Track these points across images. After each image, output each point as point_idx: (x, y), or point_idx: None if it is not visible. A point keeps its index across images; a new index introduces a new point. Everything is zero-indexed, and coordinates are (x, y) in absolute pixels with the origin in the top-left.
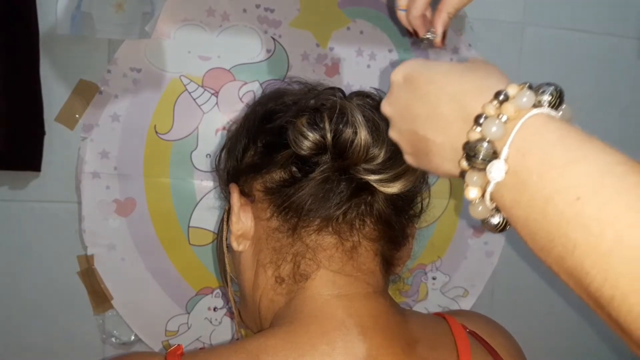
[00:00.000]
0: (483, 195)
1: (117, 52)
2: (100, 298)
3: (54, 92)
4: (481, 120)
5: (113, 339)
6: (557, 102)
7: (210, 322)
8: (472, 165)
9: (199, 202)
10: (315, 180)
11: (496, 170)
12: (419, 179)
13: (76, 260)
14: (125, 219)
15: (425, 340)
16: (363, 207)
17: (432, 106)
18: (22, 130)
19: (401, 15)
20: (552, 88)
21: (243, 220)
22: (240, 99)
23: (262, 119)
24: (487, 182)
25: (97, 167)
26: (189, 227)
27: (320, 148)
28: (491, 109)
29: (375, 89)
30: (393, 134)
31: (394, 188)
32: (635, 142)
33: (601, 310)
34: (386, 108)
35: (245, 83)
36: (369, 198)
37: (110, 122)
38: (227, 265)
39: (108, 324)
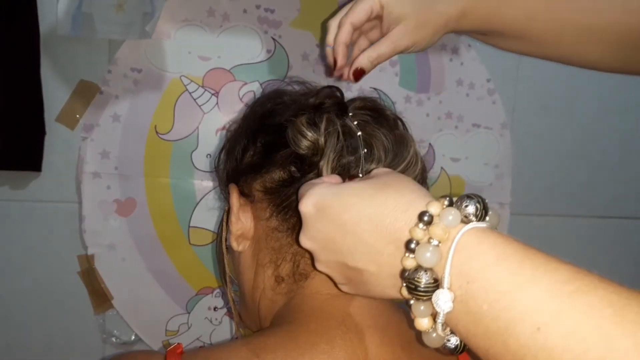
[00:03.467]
0: (435, 327)
1: (117, 52)
2: (100, 298)
3: (55, 92)
4: (412, 246)
5: (113, 339)
6: (482, 212)
7: (210, 321)
8: (415, 297)
9: (199, 202)
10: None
11: (443, 301)
12: (418, 179)
13: (76, 260)
14: (126, 219)
15: None
16: None
17: (354, 235)
18: (22, 130)
19: (328, 51)
20: (474, 200)
21: (243, 220)
22: (241, 99)
23: (261, 119)
24: (436, 316)
25: (97, 167)
26: (189, 227)
27: (319, 148)
28: (419, 233)
29: (374, 88)
30: (320, 266)
31: None
32: (636, 142)
33: None
34: (306, 243)
35: (246, 83)
36: None
37: (110, 122)
38: (227, 266)
39: (108, 324)
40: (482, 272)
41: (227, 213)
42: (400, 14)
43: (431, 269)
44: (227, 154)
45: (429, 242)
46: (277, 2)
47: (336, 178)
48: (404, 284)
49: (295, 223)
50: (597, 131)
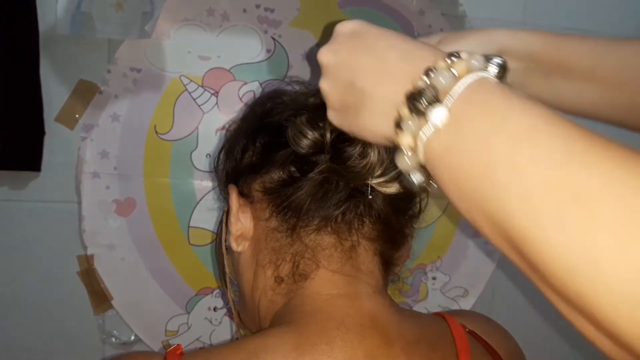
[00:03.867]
0: (414, 147)
1: (117, 52)
2: (100, 298)
3: (54, 92)
4: (431, 73)
5: (113, 339)
6: (503, 74)
7: (210, 322)
8: (414, 108)
9: (199, 202)
10: (314, 180)
11: (437, 115)
12: None
13: (76, 260)
14: (125, 219)
15: (425, 340)
16: (362, 207)
17: (380, 58)
18: (22, 130)
19: None
20: (500, 61)
21: (242, 221)
22: (240, 99)
23: (261, 119)
24: (424, 130)
25: (97, 167)
26: (189, 227)
27: (319, 147)
28: (442, 64)
29: None
30: (325, 84)
31: (392, 188)
32: (636, 142)
33: (518, 253)
34: (325, 55)
35: (245, 83)
36: (368, 197)
37: (110, 122)
38: (226, 267)
39: (108, 324)
40: (483, 98)
41: (226, 213)
42: None
43: (438, 91)
44: (226, 154)
45: (449, 70)
46: (277, 2)
47: None
48: (407, 98)
49: (295, 223)
50: (598, 130)
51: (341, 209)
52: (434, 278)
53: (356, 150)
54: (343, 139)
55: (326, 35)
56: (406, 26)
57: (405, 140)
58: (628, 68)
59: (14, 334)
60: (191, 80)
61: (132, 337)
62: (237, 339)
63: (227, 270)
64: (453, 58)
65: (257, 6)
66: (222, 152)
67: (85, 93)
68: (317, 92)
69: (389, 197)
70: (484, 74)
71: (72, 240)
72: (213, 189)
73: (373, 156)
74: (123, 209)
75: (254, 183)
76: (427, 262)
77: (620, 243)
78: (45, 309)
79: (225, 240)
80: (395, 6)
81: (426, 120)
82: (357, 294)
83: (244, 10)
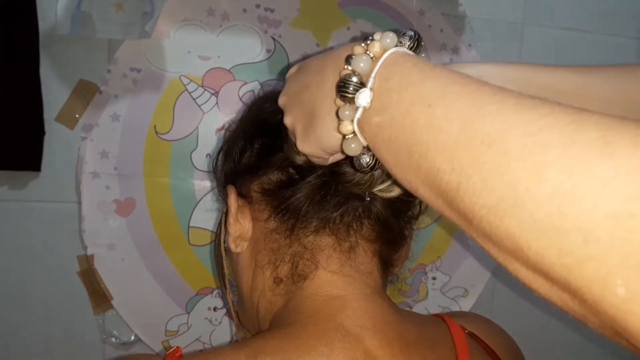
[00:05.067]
0: (355, 132)
1: (117, 52)
2: (100, 298)
3: (54, 92)
4: (351, 59)
5: (113, 339)
6: (415, 44)
7: (210, 322)
8: (343, 97)
9: (199, 202)
10: (313, 184)
11: (363, 97)
12: None
13: (76, 260)
14: (125, 219)
15: (424, 341)
16: (360, 209)
17: (316, 72)
18: (22, 130)
19: None
20: (412, 33)
21: (241, 222)
22: (240, 99)
23: (259, 120)
24: (356, 114)
25: (97, 167)
26: (189, 227)
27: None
28: (359, 49)
29: None
30: (288, 120)
31: (393, 192)
32: None
33: (451, 206)
34: (281, 99)
35: (245, 83)
36: (367, 201)
37: (110, 122)
38: (225, 268)
39: (108, 324)
40: (400, 72)
41: (225, 214)
42: None
43: (361, 75)
44: (224, 155)
45: (366, 54)
46: (277, 2)
47: None
48: (337, 89)
49: (293, 224)
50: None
51: (339, 211)
52: (434, 278)
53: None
54: None
55: (324, 33)
56: (406, 26)
57: (345, 128)
58: (617, 86)
59: (14, 333)
60: (191, 80)
61: (132, 337)
62: (236, 340)
63: (226, 271)
64: (367, 41)
65: (257, 6)
66: (221, 153)
67: (85, 93)
68: None
69: (388, 200)
70: (398, 49)
71: (72, 240)
72: (213, 189)
73: (377, 172)
74: (123, 209)
75: (252, 184)
76: (427, 262)
77: (532, 170)
78: (45, 309)
79: (224, 241)
80: (395, 6)
81: (356, 105)
82: (356, 295)
83: (244, 10)
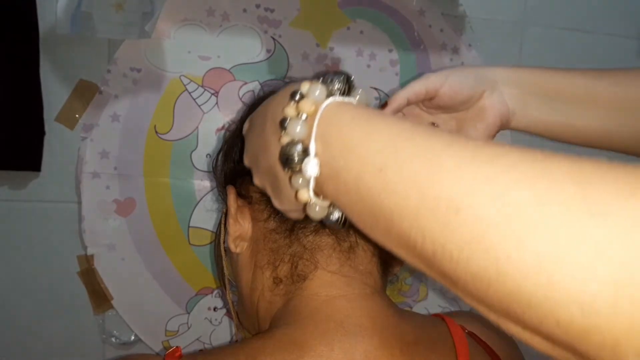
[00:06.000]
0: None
1: (117, 52)
2: (100, 298)
3: (54, 92)
4: (286, 124)
5: (113, 339)
6: (347, 88)
7: (210, 322)
8: (292, 170)
9: (198, 202)
10: None
11: (310, 168)
12: None
13: (76, 260)
14: (125, 219)
15: (424, 341)
16: None
17: (262, 137)
18: (22, 130)
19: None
20: (340, 77)
21: (240, 222)
22: (240, 99)
23: None
24: (309, 183)
25: (97, 167)
26: (188, 227)
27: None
28: (290, 111)
29: (375, 88)
30: (256, 181)
31: None
32: None
33: (432, 270)
34: (245, 160)
35: (245, 83)
36: None
37: (110, 122)
38: (225, 268)
39: (108, 324)
40: (338, 133)
41: (224, 215)
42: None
43: (302, 141)
44: (224, 156)
45: (298, 116)
46: (277, 2)
47: None
48: (281, 162)
49: (293, 224)
50: None
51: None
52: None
53: None
54: None
55: (325, 33)
56: (406, 26)
57: (302, 196)
58: (624, 88)
59: (14, 333)
60: (191, 80)
61: (132, 337)
62: (236, 340)
63: (225, 271)
64: (296, 98)
65: (257, 6)
66: (221, 154)
67: (85, 93)
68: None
69: None
70: (330, 100)
71: (72, 240)
72: (213, 189)
73: None
74: (123, 209)
75: (252, 184)
76: None
77: (511, 237)
78: (45, 309)
79: (224, 242)
80: (395, 6)
81: (305, 175)
82: (356, 295)
83: (244, 10)
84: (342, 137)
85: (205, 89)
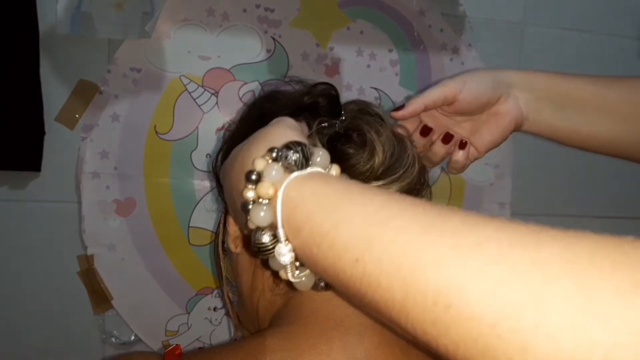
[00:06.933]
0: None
1: (117, 52)
2: (100, 298)
3: (54, 92)
4: (248, 208)
5: (113, 339)
6: (303, 160)
7: (210, 322)
8: (263, 257)
9: (198, 202)
10: None
11: (283, 256)
12: (416, 180)
13: (76, 260)
14: (125, 219)
15: None
16: None
17: (232, 192)
18: (22, 130)
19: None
20: (292, 150)
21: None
22: (240, 99)
23: (258, 120)
24: (287, 268)
25: (97, 167)
26: (188, 227)
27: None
28: (250, 195)
29: (375, 88)
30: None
31: (392, 188)
32: None
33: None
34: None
35: (245, 83)
36: None
37: (110, 122)
38: (224, 269)
39: (108, 324)
40: (307, 221)
41: (224, 214)
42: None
43: (269, 226)
44: (224, 156)
45: (259, 202)
46: (277, 2)
47: None
48: (253, 253)
49: None
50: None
51: None
52: None
53: (363, 156)
54: (338, 138)
55: (325, 34)
56: (406, 26)
57: (283, 276)
58: (635, 96)
59: (14, 333)
60: (191, 80)
61: (132, 337)
62: (235, 339)
63: (225, 271)
64: (252, 183)
65: (257, 6)
66: (220, 154)
67: (85, 93)
68: (310, 91)
69: None
70: (289, 179)
71: (72, 240)
72: (213, 189)
73: (377, 160)
74: (123, 209)
75: None
76: None
77: (513, 340)
78: (45, 309)
79: (224, 242)
80: (395, 6)
81: (280, 262)
82: None
83: (244, 10)
84: (310, 223)
85: (205, 89)
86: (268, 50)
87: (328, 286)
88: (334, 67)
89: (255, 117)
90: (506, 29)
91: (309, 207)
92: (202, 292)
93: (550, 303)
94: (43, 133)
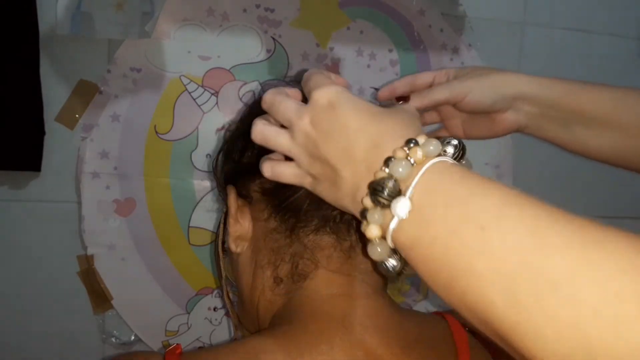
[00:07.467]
0: (383, 235)
1: (117, 52)
2: (100, 298)
3: (54, 92)
4: (390, 163)
5: (113, 339)
6: (460, 154)
7: (210, 322)
8: (376, 201)
9: (199, 202)
10: None
11: (401, 207)
12: None
13: (76, 260)
14: (125, 219)
15: (424, 339)
16: None
17: (350, 141)
18: (22, 130)
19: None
20: (456, 142)
21: (240, 222)
22: (240, 99)
23: None
24: (389, 221)
25: (97, 167)
26: (188, 227)
27: None
28: (400, 153)
29: (375, 88)
30: (296, 148)
31: None
32: None
33: (506, 343)
34: (307, 127)
35: (245, 83)
36: None
37: (110, 122)
38: (224, 269)
39: (108, 324)
40: (444, 185)
41: (225, 215)
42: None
43: (398, 181)
44: (224, 156)
45: (406, 159)
46: (277, 2)
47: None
48: (370, 190)
49: (294, 224)
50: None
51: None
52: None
53: None
54: None
55: (325, 34)
56: (406, 26)
57: (372, 232)
58: None
59: (14, 333)
60: (191, 80)
61: (132, 337)
62: (236, 339)
63: (224, 272)
64: (411, 145)
65: (257, 6)
66: (221, 154)
67: (85, 93)
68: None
69: None
70: (441, 158)
71: (72, 240)
72: (213, 189)
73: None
74: (123, 209)
75: (252, 184)
76: None
77: (609, 324)
78: (44, 309)
79: (224, 242)
80: (395, 6)
81: (390, 213)
82: (357, 294)
83: (244, 10)
84: (448, 189)
85: (205, 89)
86: (268, 50)
87: (394, 269)
88: (334, 67)
89: (256, 117)
90: (506, 29)
91: (451, 179)
92: (202, 292)
93: None
94: (43, 133)
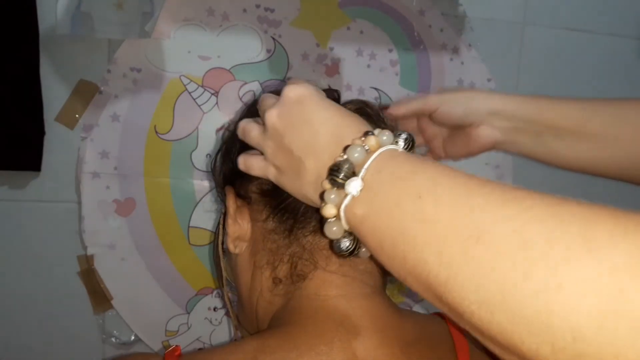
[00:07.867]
0: (338, 216)
1: (117, 52)
2: (100, 298)
3: (54, 92)
4: (347, 149)
5: (113, 339)
6: (410, 145)
7: (210, 322)
8: (333, 182)
9: (198, 202)
10: None
11: (354, 186)
12: None
13: (76, 260)
14: (125, 219)
15: (424, 340)
16: None
17: (314, 132)
18: (22, 130)
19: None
20: (407, 135)
21: (239, 222)
22: (240, 99)
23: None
24: (343, 200)
25: (97, 167)
26: (188, 227)
27: None
28: (358, 141)
29: (375, 88)
30: (268, 145)
31: None
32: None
33: (440, 300)
34: (272, 118)
35: (246, 83)
36: None
37: (110, 122)
38: (223, 270)
39: (108, 324)
40: (391, 166)
41: (223, 215)
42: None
43: (354, 165)
44: (223, 156)
45: (362, 146)
46: (277, 2)
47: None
48: (328, 173)
49: (292, 224)
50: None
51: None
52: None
53: None
54: None
55: (325, 34)
56: (406, 26)
57: (328, 211)
58: (618, 123)
59: (14, 334)
60: (191, 80)
61: (132, 337)
62: (235, 339)
63: (224, 272)
64: (368, 135)
65: (257, 6)
66: (219, 154)
67: (85, 93)
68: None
69: None
70: (392, 146)
71: (72, 240)
72: (213, 189)
73: None
74: (123, 209)
75: (250, 185)
76: None
77: (519, 267)
78: (44, 309)
79: (223, 243)
80: (395, 6)
81: (344, 192)
82: (356, 295)
83: (244, 10)
84: (394, 168)
85: (205, 89)
86: (268, 50)
87: (347, 249)
88: (334, 67)
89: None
90: (506, 29)
91: (399, 160)
92: (202, 292)
93: (556, 240)
94: (43, 133)
